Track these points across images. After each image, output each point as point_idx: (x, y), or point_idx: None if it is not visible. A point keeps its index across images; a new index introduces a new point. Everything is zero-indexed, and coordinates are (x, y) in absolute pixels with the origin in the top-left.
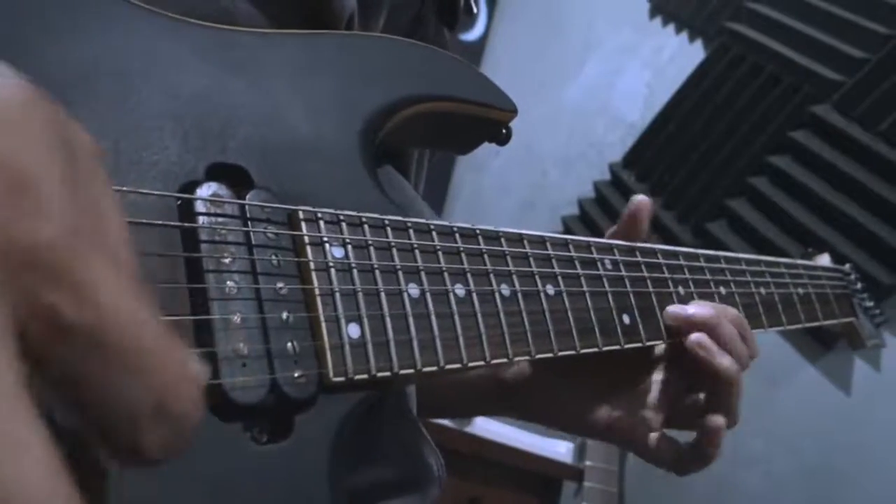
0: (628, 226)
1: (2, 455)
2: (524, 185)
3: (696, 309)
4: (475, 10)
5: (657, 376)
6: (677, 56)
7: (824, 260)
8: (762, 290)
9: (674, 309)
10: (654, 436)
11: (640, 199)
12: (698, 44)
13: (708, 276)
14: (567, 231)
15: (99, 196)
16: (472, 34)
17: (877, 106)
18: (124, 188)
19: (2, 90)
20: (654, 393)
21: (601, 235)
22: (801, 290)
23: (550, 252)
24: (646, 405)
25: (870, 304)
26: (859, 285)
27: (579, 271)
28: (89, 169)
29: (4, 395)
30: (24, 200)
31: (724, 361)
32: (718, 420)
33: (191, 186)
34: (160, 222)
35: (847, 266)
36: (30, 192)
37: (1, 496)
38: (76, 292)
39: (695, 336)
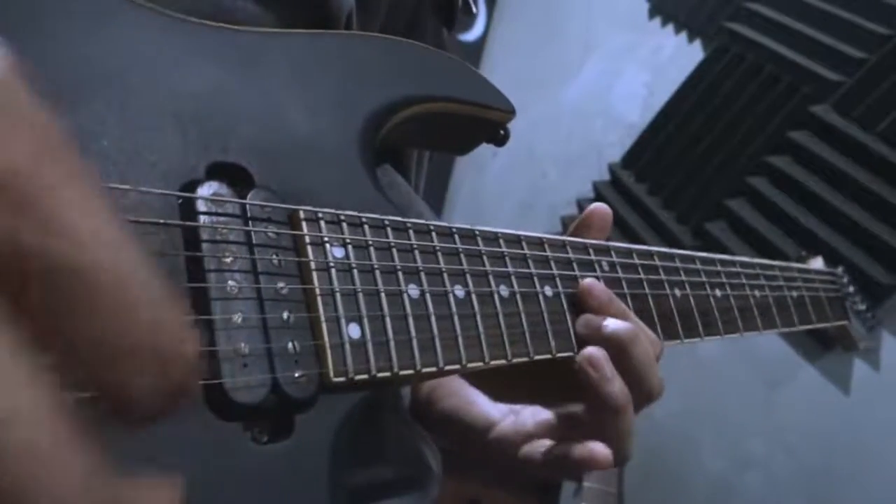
0: (579, 231)
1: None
2: (523, 185)
3: (613, 322)
4: (474, 10)
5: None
6: (676, 56)
7: (818, 263)
8: (757, 293)
9: (589, 317)
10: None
11: (596, 206)
12: (697, 44)
13: (704, 279)
14: (566, 231)
15: (57, 133)
16: (472, 34)
17: (876, 106)
18: (125, 187)
19: None
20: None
21: None
22: (794, 293)
23: (548, 253)
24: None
25: (862, 307)
26: (852, 288)
27: (577, 273)
28: (36, 107)
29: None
30: None
31: (614, 388)
32: (586, 449)
33: (192, 186)
34: (162, 221)
35: (840, 269)
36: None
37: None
38: (53, 225)
39: (588, 350)
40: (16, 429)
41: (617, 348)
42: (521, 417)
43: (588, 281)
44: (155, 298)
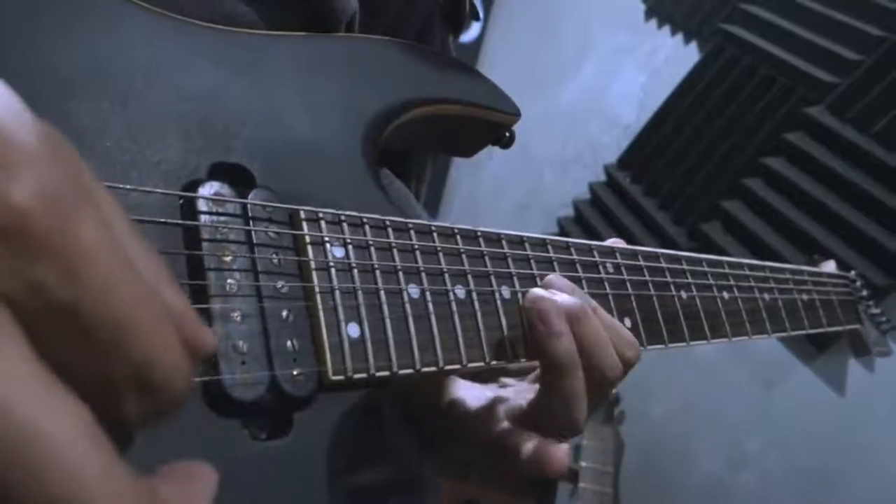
0: None
1: (41, 421)
2: (520, 186)
3: (561, 297)
4: (481, 15)
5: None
6: (672, 58)
7: (830, 267)
8: (766, 296)
9: (537, 291)
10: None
11: (614, 242)
12: (693, 46)
13: (711, 281)
14: (562, 232)
15: (81, 168)
16: (468, 35)
17: (870, 108)
18: (127, 186)
19: None
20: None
21: (596, 236)
22: (805, 297)
23: (552, 255)
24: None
25: (876, 310)
26: (865, 292)
27: (581, 274)
28: (72, 153)
29: (31, 370)
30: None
31: (559, 345)
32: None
33: (193, 185)
34: (163, 220)
35: (853, 273)
36: (5, 144)
37: (43, 463)
38: (60, 266)
39: (538, 302)
40: (56, 445)
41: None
42: (483, 391)
43: (548, 278)
44: (150, 330)
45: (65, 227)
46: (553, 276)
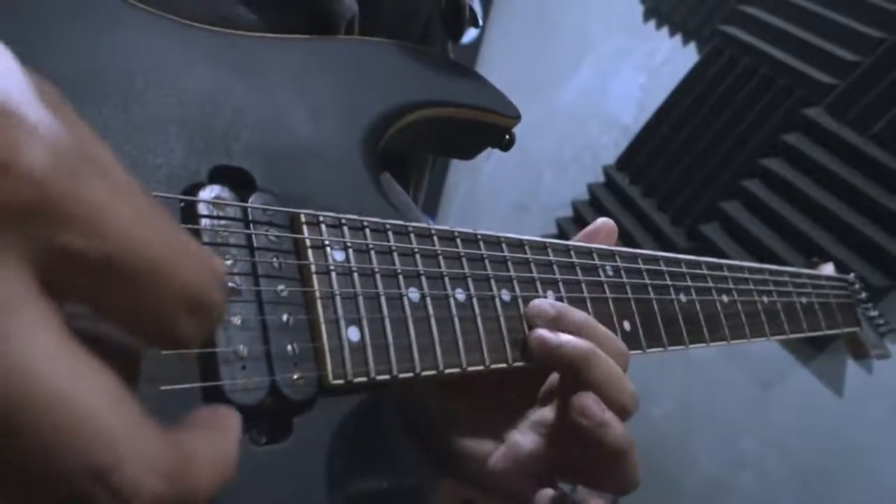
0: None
1: (68, 388)
2: (518, 187)
3: (567, 343)
4: (480, 21)
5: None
6: (671, 59)
7: (829, 269)
8: (765, 299)
9: (543, 334)
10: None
11: (604, 222)
12: (692, 47)
13: (710, 284)
14: (561, 233)
15: (80, 124)
16: (466, 37)
17: (869, 109)
18: None
19: None
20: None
21: None
22: (804, 300)
23: (552, 258)
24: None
25: (874, 313)
26: (863, 295)
27: (580, 277)
28: (69, 109)
29: (55, 337)
30: (7, 127)
31: (614, 433)
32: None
33: (194, 189)
34: None
35: (852, 275)
36: (12, 117)
37: (70, 425)
38: (85, 227)
39: (578, 400)
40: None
41: (575, 372)
42: (515, 447)
43: (533, 303)
44: (182, 261)
45: (80, 190)
46: (557, 314)
